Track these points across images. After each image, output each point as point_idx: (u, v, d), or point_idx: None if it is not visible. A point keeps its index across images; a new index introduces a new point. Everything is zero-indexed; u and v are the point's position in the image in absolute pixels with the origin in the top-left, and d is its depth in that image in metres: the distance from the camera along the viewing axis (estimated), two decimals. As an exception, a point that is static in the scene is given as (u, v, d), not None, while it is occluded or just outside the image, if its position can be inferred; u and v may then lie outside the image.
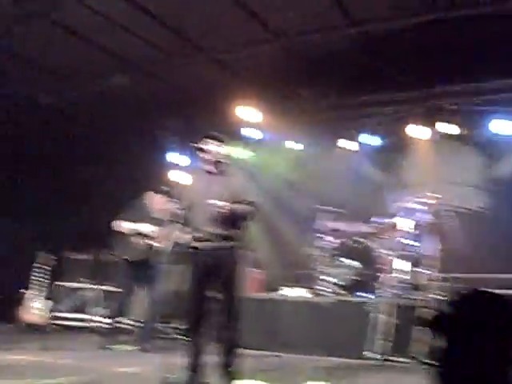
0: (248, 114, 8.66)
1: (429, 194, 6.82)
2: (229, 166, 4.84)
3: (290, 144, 9.28)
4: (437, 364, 1.86)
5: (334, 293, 6.73)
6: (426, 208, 6.65)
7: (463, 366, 1.82)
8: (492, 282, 8.13)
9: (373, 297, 6.31)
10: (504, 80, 7.78)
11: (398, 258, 6.34)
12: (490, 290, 1.99)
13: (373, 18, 7.32)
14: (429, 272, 6.39)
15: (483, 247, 7.76)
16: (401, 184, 8.60)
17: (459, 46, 7.56)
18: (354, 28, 7.48)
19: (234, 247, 4.57)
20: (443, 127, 8.21)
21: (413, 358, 5.37)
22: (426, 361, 1.71)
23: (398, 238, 6.50)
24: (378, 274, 6.45)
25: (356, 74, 7.83)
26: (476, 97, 8.00)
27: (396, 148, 8.72)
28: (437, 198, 6.83)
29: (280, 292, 7.28)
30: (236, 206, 4.51)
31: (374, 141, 8.64)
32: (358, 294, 6.67)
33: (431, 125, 8.25)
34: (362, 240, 6.99)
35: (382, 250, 6.63)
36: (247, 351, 4.81)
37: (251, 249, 7.03)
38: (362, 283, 6.68)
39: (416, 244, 6.49)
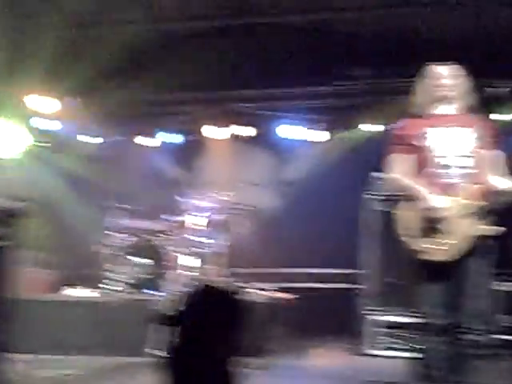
0: (42, 103, 8.13)
1: (221, 192, 7.06)
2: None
3: (86, 138, 8.96)
4: (166, 357, 1.92)
5: (120, 291, 6.63)
6: (217, 206, 6.87)
7: (189, 359, 1.90)
8: (281, 277, 8.76)
9: (159, 294, 6.34)
10: (294, 88, 8.38)
11: (186, 255, 6.44)
12: (218, 286, 2.10)
13: (175, 18, 7.38)
14: (218, 269, 6.59)
15: (274, 245, 8.29)
16: (198, 182, 8.74)
17: (256, 51, 7.98)
18: (155, 25, 7.48)
19: (4, 247, 4.27)
20: (239, 129, 8.60)
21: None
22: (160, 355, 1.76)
23: (187, 236, 6.60)
24: (165, 272, 6.49)
25: (158, 71, 7.82)
26: (269, 102, 8.52)
27: (195, 147, 8.88)
28: (229, 196, 7.09)
29: (64, 292, 6.98)
30: (9, 203, 4.22)
31: (175, 139, 8.72)
32: (145, 291, 6.65)
33: (227, 126, 8.59)
34: (152, 238, 6.98)
35: (170, 248, 6.68)
36: (24, 356, 4.53)
37: (33, 247, 6.66)
38: (152, 281, 6.68)
39: (207, 241, 6.65)
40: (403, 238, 3.11)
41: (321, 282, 8.77)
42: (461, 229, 2.94)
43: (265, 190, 8.95)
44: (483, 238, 2.99)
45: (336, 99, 8.34)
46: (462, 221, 2.94)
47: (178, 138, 8.79)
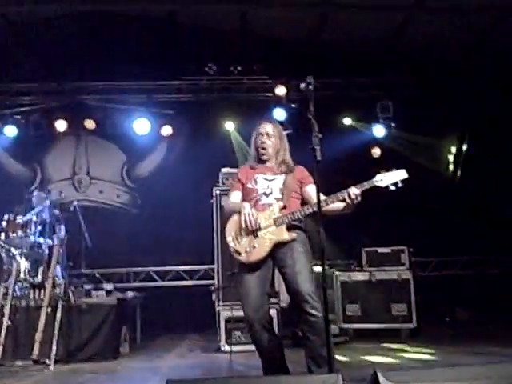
0: None
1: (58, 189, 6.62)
2: None
3: None
4: None
5: None
6: (48, 203, 6.40)
7: None
8: (134, 276, 8.52)
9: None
10: (143, 82, 8.17)
11: (23, 255, 5.92)
12: None
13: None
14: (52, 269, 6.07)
15: (123, 241, 8.03)
16: (43, 178, 8.38)
17: (101, 42, 7.63)
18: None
19: None
20: (88, 123, 8.19)
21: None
22: None
23: (23, 235, 6.08)
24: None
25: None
26: (121, 95, 8.23)
27: (39, 141, 8.34)
28: (60, 193, 6.65)
29: None
30: None
31: (12, 132, 8.04)
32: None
33: (76, 119, 8.17)
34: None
35: (9, 248, 6.12)
36: None
37: None
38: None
39: (40, 241, 6.18)
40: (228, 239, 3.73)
41: (177, 280, 8.67)
42: (269, 235, 3.64)
43: (116, 185, 8.68)
44: (291, 241, 3.65)
45: (182, 94, 8.35)
46: (271, 229, 3.67)
47: (11, 131, 8.06)
